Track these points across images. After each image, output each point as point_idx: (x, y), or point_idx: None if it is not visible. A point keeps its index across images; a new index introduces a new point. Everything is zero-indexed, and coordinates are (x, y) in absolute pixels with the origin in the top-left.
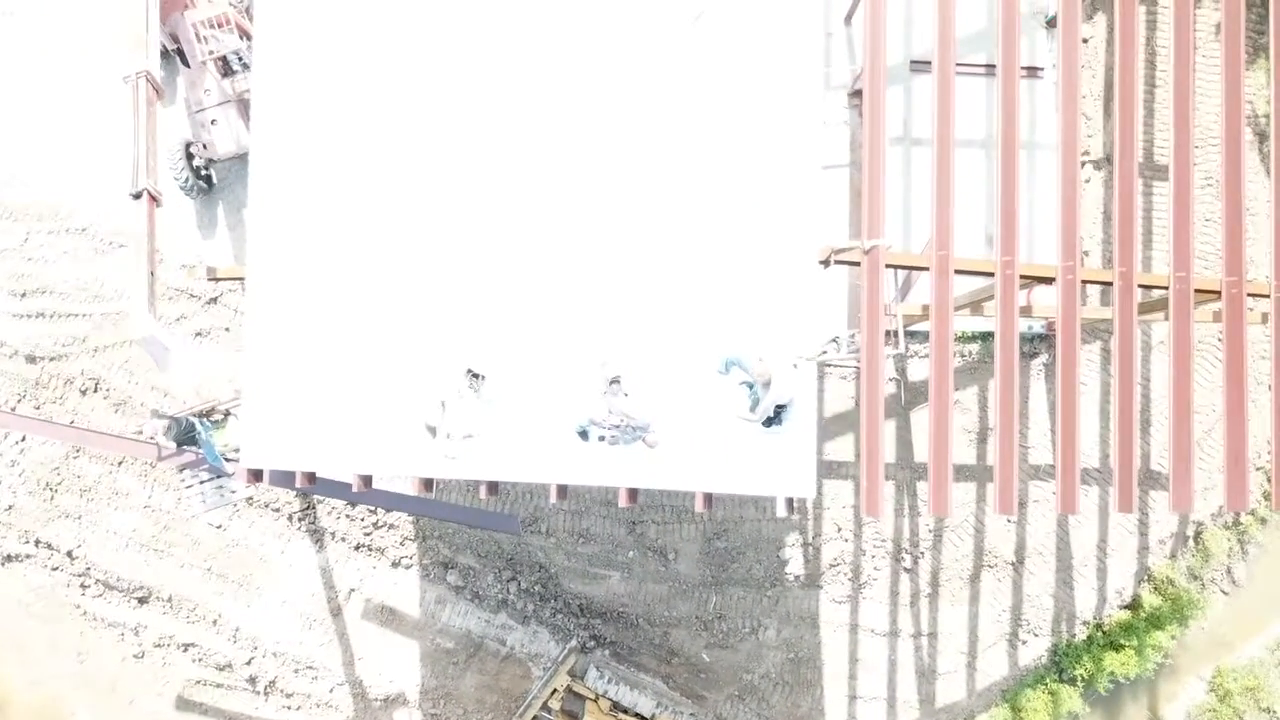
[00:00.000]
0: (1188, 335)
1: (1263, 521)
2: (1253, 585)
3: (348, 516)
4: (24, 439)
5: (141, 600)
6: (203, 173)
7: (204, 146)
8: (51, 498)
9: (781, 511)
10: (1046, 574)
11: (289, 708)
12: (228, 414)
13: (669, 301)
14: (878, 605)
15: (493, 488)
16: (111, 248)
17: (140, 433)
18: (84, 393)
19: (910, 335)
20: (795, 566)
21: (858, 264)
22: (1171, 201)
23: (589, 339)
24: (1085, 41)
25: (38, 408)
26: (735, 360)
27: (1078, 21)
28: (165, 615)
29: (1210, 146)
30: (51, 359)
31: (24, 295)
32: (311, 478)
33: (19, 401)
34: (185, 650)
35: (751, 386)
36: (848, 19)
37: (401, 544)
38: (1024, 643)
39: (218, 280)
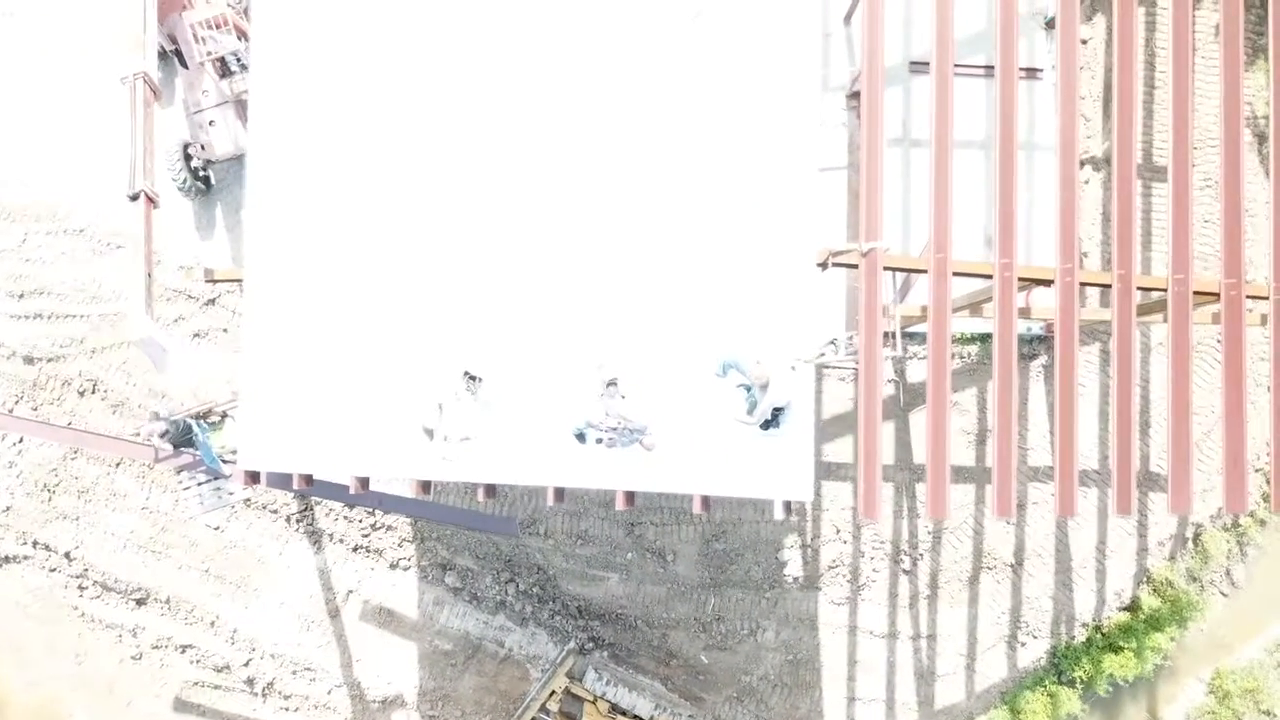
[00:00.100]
0: (1186, 337)
1: (1262, 523)
2: (1252, 587)
3: (346, 518)
4: (21, 440)
5: (139, 601)
6: (201, 174)
7: (202, 147)
8: (49, 499)
9: (779, 514)
10: (1045, 576)
11: (287, 709)
12: (225, 415)
13: (666, 303)
14: (876, 607)
15: (490, 490)
16: (109, 249)
17: (138, 434)
18: (82, 394)
19: (908, 337)
20: (794, 568)
21: (856, 266)
22: (1170, 203)
23: (586, 341)
24: (1084, 43)
25: (35, 409)
26: (733, 362)
27: (1076, 23)
28: (163, 617)
29: (1209, 148)
30: (49, 360)
31: (22, 296)
32: (309, 479)
33: (17, 403)
34: (183, 652)
35: (749, 389)
36: (846, 19)
37: (399, 545)
38: (1023, 644)
39: (215, 282)
